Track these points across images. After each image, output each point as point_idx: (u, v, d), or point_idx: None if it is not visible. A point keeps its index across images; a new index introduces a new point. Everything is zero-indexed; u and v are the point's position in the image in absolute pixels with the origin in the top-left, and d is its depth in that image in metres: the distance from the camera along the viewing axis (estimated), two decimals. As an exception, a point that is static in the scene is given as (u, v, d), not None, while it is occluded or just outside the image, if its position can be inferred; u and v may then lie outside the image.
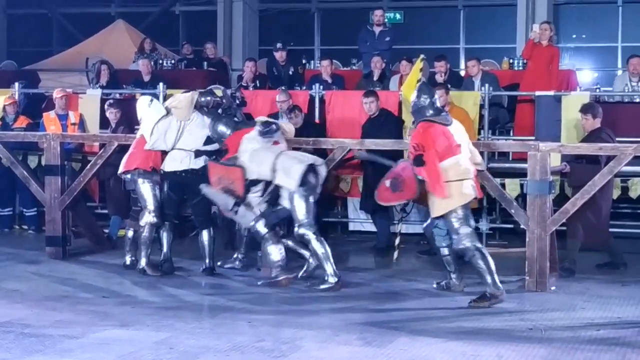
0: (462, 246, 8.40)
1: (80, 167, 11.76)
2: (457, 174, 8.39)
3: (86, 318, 7.61)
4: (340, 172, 11.30)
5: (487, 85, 11.44)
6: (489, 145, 10.33)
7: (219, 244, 10.03)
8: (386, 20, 14.91)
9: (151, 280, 9.31)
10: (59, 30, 21.98)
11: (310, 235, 8.88)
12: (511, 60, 14.01)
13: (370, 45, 13.51)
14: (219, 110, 9.57)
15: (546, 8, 18.42)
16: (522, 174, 9.83)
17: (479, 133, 11.21)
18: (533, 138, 10.74)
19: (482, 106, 11.33)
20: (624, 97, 11.65)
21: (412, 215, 10.35)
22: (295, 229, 8.94)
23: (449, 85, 11.14)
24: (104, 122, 11.90)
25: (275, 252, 9.01)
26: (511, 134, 12.11)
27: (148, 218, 9.52)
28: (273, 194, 8.97)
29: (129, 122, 11.11)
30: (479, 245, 8.46)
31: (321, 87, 12.00)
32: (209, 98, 9.60)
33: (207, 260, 9.62)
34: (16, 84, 13.21)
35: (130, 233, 9.92)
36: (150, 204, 9.53)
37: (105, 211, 12.00)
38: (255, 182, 9.00)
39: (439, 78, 11.97)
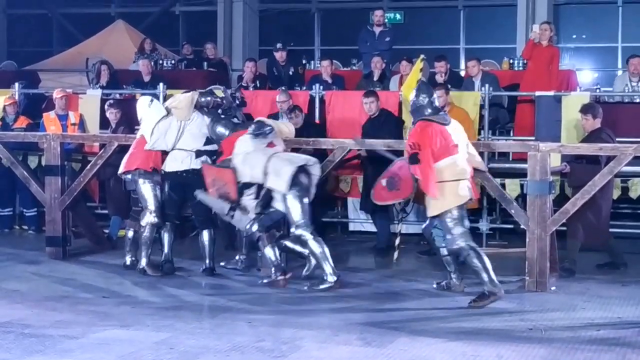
0: (457, 246, 8.42)
1: (80, 167, 11.76)
2: (454, 174, 8.40)
3: (86, 318, 7.61)
4: (340, 172, 11.31)
5: (487, 85, 11.45)
6: (489, 146, 10.33)
7: (219, 244, 10.02)
8: (386, 20, 14.92)
9: (151, 280, 9.31)
10: (59, 31, 21.99)
11: (307, 235, 8.88)
12: (511, 61, 14.02)
13: (371, 46, 13.51)
14: (219, 111, 9.57)
15: (546, 8, 18.42)
16: (522, 174, 9.83)
17: (479, 133, 11.21)
18: (533, 138, 10.74)
19: (482, 106, 11.34)
20: (624, 98, 11.66)
21: (412, 216, 10.35)
22: (292, 230, 8.93)
23: (449, 86, 11.14)
24: (104, 123, 11.90)
25: (271, 253, 9.01)
26: (511, 134, 12.11)
27: (149, 218, 9.52)
28: (266, 196, 8.96)
29: (129, 122, 11.11)
30: (473, 244, 8.47)
31: (321, 87, 12.00)
32: (209, 98, 9.60)
33: (207, 261, 9.62)
34: (16, 84, 13.22)
35: (130, 233, 9.92)
36: (151, 204, 9.53)
37: (106, 211, 12.00)
38: (248, 185, 9.00)
39: (439, 78, 11.98)
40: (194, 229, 10.04)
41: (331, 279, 8.81)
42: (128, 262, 9.87)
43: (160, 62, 15.08)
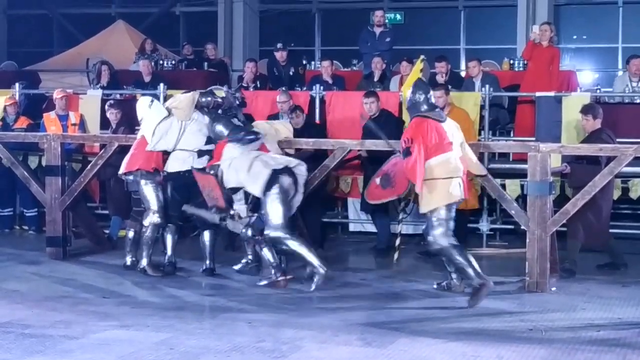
0: (438, 247, 8.47)
1: (80, 167, 11.76)
2: (447, 171, 8.43)
3: (86, 318, 7.61)
4: (341, 172, 11.31)
5: (487, 86, 11.45)
6: (489, 146, 10.34)
7: (220, 245, 10.02)
8: (387, 20, 14.93)
9: (151, 280, 9.31)
10: (60, 31, 21.99)
11: (282, 235, 8.81)
12: (511, 61, 14.03)
13: (371, 46, 13.51)
14: (219, 111, 9.57)
15: (547, 9, 18.43)
16: (522, 174, 9.82)
17: (480, 134, 11.22)
18: (533, 139, 10.74)
19: (482, 107, 11.34)
20: (624, 98, 11.65)
21: (412, 216, 10.35)
22: (266, 232, 8.87)
23: (450, 86, 11.14)
24: (105, 123, 11.91)
25: (269, 254, 9.01)
26: (511, 134, 12.12)
27: (152, 218, 9.52)
28: (255, 199, 8.96)
29: (130, 122, 11.11)
30: (454, 242, 8.48)
31: (322, 87, 12.00)
32: (209, 98, 9.60)
33: (207, 261, 9.62)
34: (17, 85, 13.23)
35: (130, 234, 9.92)
36: (153, 204, 9.53)
37: (106, 212, 12.00)
38: (236, 190, 9.00)
39: (440, 79, 11.99)
40: (194, 229, 10.05)
41: (322, 269, 8.74)
42: (128, 263, 9.87)
43: (161, 62, 15.08)
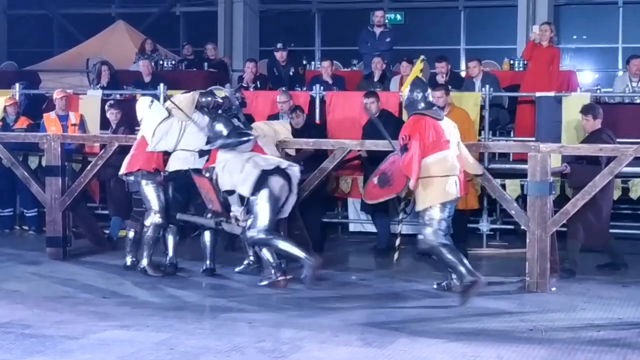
0: (427, 245, 8.51)
1: (80, 167, 11.76)
2: (444, 169, 8.46)
3: (86, 319, 7.61)
4: (341, 173, 11.31)
5: (487, 86, 11.45)
6: (489, 146, 10.34)
7: (220, 245, 10.02)
8: (387, 21, 14.94)
9: (152, 280, 9.31)
10: (60, 31, 21.99)
11: (265, 237, 8.81)
12: (512, 61, 14.03)
13: (371, 46, 13.51)
14: (219, 112, 9.57)
15: (547, 9, 18.43)
16: (522, 174, 9.83)
17: (480, 134, 11.22)
18: (533, 139, 10.74)
19: (482, 107, 11.34)
20: (624, 98, 11.65)
21: (413, 216, 10.34)
22: (250, 234, 8.85)
23: (450, 86, 11.14)
24: (105, 123, 11.91)
25: (269, 254, 9.01)
26: (511, 134, 12.11)
27: (154, 219, 9.52)
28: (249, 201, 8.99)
29: (130, 122, 11.10)
30: (444, 241, 8.50)
31: (322, 88, 12.00)
32: (209, 99, 9.60)
33: (207, 261, 9.62)
34: (17, 85, 13.23)
35: (131, 234, 9.91)
36: (154, 204, 9.53)
37: (106, 212, 12.00)
38: (231, 193, 9.01)
39: (440, 79, 11.99)
40: (195, 230, 10.06)
41: (309, 261, 8.71)
42: (128, 263, 9.87)
43: (161, 62, 15.09)
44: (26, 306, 8.12)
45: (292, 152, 10.09)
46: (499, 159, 11.50)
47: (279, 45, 13.35)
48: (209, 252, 9.61)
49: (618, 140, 9.70)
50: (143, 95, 10.89)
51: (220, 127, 9.31)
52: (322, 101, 11.83)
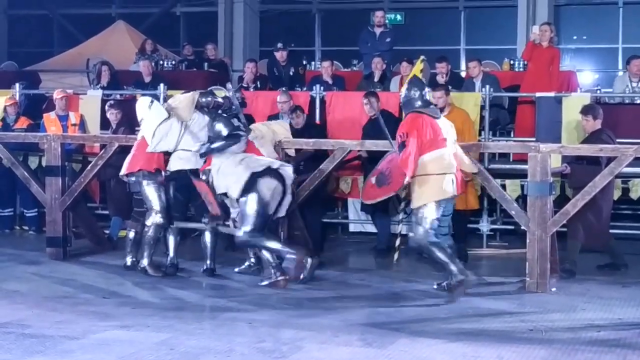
0: (415, 244, 8.60)
1: (80, 167, 11.76)
2: (440, 167, 8.49)
3: (87, 319, 7.61)
4: (341, 173, 11.31)
5: (487, 86, 11.45)
6: (489, 147, 10.33)
7: (221, 245, 10.02)
8: (387, 21, 14.93)
9: (152, 281, 9.31)
10: (60, 31, 21.99)
11: (250, 239, 8.86)
12: (512, 62, 14.03)
13: (371, 46, 13.51)
14: (219, 112, 9.57)
15: (547, 9, 18.42)
16: (522, 175, 9.83)
17: (480, 134, 11.22)
18: (533, 139, 10.74)
19: (482, 107, 11.35)
20: (624, 99, 11.65)
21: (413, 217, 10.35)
22: (237, 235, 8.93)
23: (450, 87, 11.15)
24: (105, 123, 11.91)
25: (268, 254, 9.02)
26: (512, 135, 12.11)
27: (155, 218, 9.52)
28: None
29: (130, 123, 11.10)
30: (434, 239, 8.54)
31: (322, 88, 12.00)
32: (209, 99, 9.60)
33: (208, 261, 9.62)
34: (17, 85, 13.23)
35: (131, 234, 9.92)
36: (156, 205, 9.53)
37: (106, 212, 12.00)
38: (227, 195, 9.04)
39: (441, 79, 12.00)
40: (195, 230, 10.06)
41: (293, 256, 8.77)
42: (129, 263, 9.87)
43: (161, 62, 15.08)
44: (26, 306, 8.12)
45: (292, 152, 10.09)
46: (499, 159, 11.51)
47: (279, 45, 13.35)
48: (209, 252, 9.61)
49: (618, 140, 9.70)
50: (143, 95, 10.88)
51: (220, 127, 9.31)
52: (322, 101, 11.83)
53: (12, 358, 6.49)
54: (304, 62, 14.33)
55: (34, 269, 9.99)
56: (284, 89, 12.05)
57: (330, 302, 8.42)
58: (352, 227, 12.46)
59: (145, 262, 9.56)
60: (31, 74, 15.47)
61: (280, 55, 13.31)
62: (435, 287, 8.93)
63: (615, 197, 10.34)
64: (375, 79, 12.64)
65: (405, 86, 8.97)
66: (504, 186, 10.41)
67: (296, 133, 10.49)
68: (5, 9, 22.48)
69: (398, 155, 8.59)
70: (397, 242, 10.28)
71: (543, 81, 11.83)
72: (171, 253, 9.72)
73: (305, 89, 12.53)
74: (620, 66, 17.93)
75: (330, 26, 20.79)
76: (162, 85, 12.29)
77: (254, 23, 20.77)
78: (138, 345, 6.81)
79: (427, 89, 9.00)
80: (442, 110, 10.35)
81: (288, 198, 9.12)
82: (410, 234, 8.65)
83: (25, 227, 12.72)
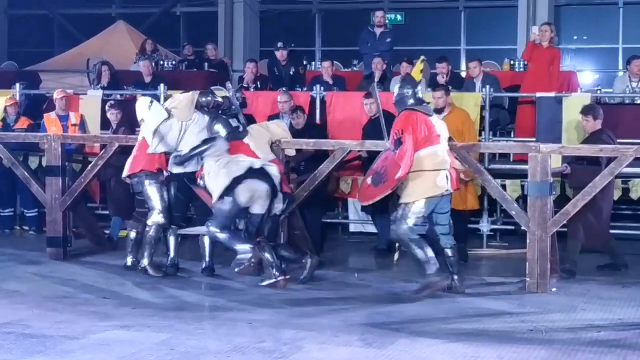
0: (396, 237, 8.70)
1: (81, 168, 11.76)
2: (434, 164, 8.54)
3: (87, 319, 7.61)
4: (341, 173, 11.30)
5: (488, 86, 11.45)
6: (490, 147, 10.33)
7: (221, 245, 10.01)
8: (387, 21, 14.94)
9: (152, 281, 9.31)
10: (60, 31, 22.01)
11: (215, 233, 8.99)
12: (512, 62, 14.04)
13: (372, 47, 13.51)
14: (219, 112, 9.57)
15: (547, 9, 18.44)
16: (523, 175, 9.83)
17: (480, 135, 11.21)
18: (534, 139, 10.73)
19: (483, 108, 11.34)
20: (624, 99, 11.65)
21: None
22: (207, 226, 9.06)
23: (450, 87, 11.15)
24: (105, 123, 11.91)
25: (268, 254, 9.02)
26: (512, 135, 12.11)
27: (157, 218, 9.52)
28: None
29: (130, 123, 11.10)
30: (415, 237, 8.60)
31: (322, 88, 12.00)
32: (209, 98, 9.60)
33: (207, 259, 9.62)
34: (17, 85, 13.22)
35: (132, 234, 9.91)
36: (157, 204, 9.52)
37: (106, 212, 12.00)
38: None
39: (441, 79, 12.00)
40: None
41: (247, 255, 8.93)
42: (129, 263, 9.87)
43: (161, 63, 15.09)
44: (27, 306, 8.12)
45: (292, 153, 10.08)
46: (499, 159, 11.50)
47: (280, 44, 13.36)
48: (208, 251, 9.62)
49: (618, 140, 9.69)
50: (143, 95, 10.88)
51: (219, 128, 9.32)
52: (323, 102, 11.82)
53: (12, 358, 6.49)
54: (305, 63, 14.33)
55: (35, 269, 9.99)
56: (284, 89, 12.05)
57: (331, 302, 8.42)
58: (353, 228, 12.46)
59: (145, 262, 9.56)
60: (32, 74, 15.47)
61: (281, 55, 13.31)
62: (435, 287, 8.93)
63: (616, 198, 10.34)
64: (376, 80, 12.63)
65: (397, 84, 8.99)
66: (504, 186, 10.42)
67: (297, 133, 10.48)
68: (6, 9, 22.50)
69: (393, 153, 8.59)
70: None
71: (543, 81, 11.83)
72: (172, 253, 9.73)
73: (305, 89, 12.53)
74: (620, 66, 17.95)
75: (331, 26, 20.80)
76: (162, 85, 12.28)
77: (254, 23, 20.78)
78: (138, 345, 6.81)
79: (419, 87, 9.01)
80: (442, 110, 10.40)
81: (280, 196, 9.11)
82: (393, 226, 8.65)
83: (26, 228, 12.72)
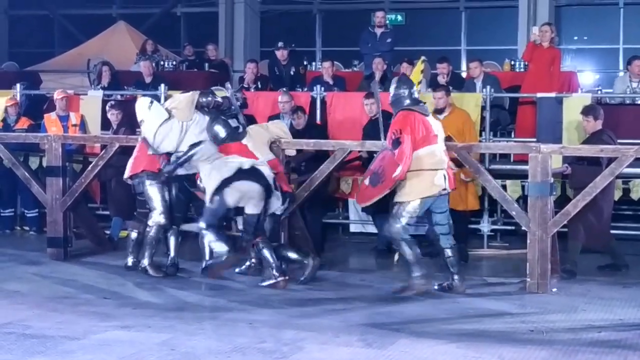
0: (389, 235, 8.74)
1: (81, 168, 11.77)
2: (432, 163, 8.55)
3: (87, 319, 7.61)
4: (342, 173, 11.30)
5: (488, 87, 11.45)
6: (490, 147, 10.33)
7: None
8: (387, 21, 14.93)
9: (152, 281, 9.31)
10: (60, 32, 22.01)
11: (202, 230, 9.06)
12: (512, 62, 14.04)
13: (372, 47, 13.52)
14: (219, 112, 9.57)
15: (547, 9, 18.44)
16: (523, 175, 9.83)
17: (481, 135, 11.22)
18: (534, 140, 10.74)
19: (483, 108, 11.35)
20: (625, 99, 11.66)
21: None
22: (199, 223, 9.12)
23: (451, 87, 11.15)
24: (106, 124, 11.91)
25: (268, 255, 9.02)
26: (512, 135, 12.11)
27: (157, 218, 9.52)
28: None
29: (131, 123, 11.08)
30: (407, 236, 8.63)
31: (322, 88, 12.00)
32: (209, 98, 9.59)
33: (207, 260, 9.62)
34: (18, 85, 13.23)
35: (133, 234, 9.91)
36: (158, 205, 9.53)
37: (107, 212, 12.01)
38: None
39: (442, 80, 12.00)
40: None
41: (225, 255, 8.96)
42: (129, 263, 9.87)
43: (162, 63, 15.09)
44: (27, 307, 8.12)
45: (292, 153, 10.08)
46: (499, 159, 11.50)
47: (280, 44, 13.36)
48: (208, 251, 9.61)
49: (619, 141, 9.70)
50: (143, 96, 10.87)
51: (218, 128, 9.32)
52: (323, 102, 11.83)
53: (12, 358, 6.49)
54: (305, 62, 14.33)
55: (35, 269, 9.99)
56: (284, 89, 12.05)
57: (331, 302, 8.42)
58: (353, 228, 12.45)
59: (146, 262, 9.57)
60: (32, 75, 15.48)
61: (281, 54, 13.32)
62: (436, 287, 8.92)
63: (616, 198, 10.34)
64: (376, 80, 12.62)
65: (393, 85, 8.98)
66: (504, 187, 10.42)
67: (297, 134, 10.49)
68: (6, 9, 22.50)
69: (391, 153, 8.58)
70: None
71: (544, 82, 11.83)
72: (172, 253, 9.73)
73: (305, 89, 12.53)
74: (621, 67, 17.94)
75: (331, 27, 20.80)
76: (162, 85, 12.29)
77: (254, 23, 20.78)
78: (139, 345, 6.81)
79: (415, 87, 9.00)
80: (442, 110, 10.40)
81: (276, 194, 9.11)
82: (386, 225, 8.66)
83: (26, 228, 12.72)
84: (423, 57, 11.55)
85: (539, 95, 11.34)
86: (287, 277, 9.00)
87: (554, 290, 8.90)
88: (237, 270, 9.71)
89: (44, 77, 15.48)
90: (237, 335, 7.11)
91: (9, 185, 12.35)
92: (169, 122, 9.45)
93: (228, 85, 10.12)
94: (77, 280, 9.44)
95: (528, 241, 8.97)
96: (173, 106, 9.56)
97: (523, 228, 9.22)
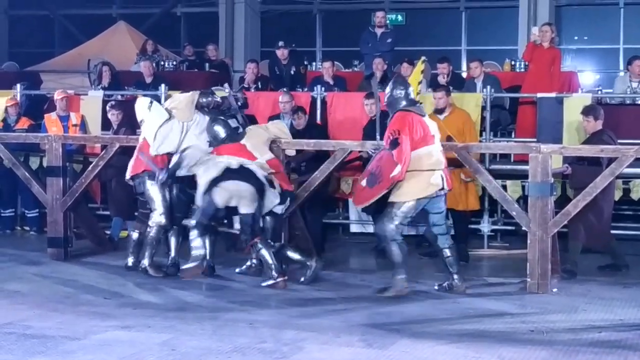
0: (381, 233, 8.66)
1: (81, 168, 11.77)
2: (429, 164, 8.55)
3: (88, 319, 7.62)
4: (342, 174, 11.30)
5: (488, 87, 11.45)
6: (490, 147, 10.32)
7: (222, 246, 10.02)
8: (388, 21, 14.92)
9: (153, 281, 9.31)
10: (61, 32, 22.02)
11: (191, 227, 9.17)
12: (513, 62, 14.05)
13: (372, 47, 13.51)
14: (219, 112, 9.57)
15: (548, 10, 18.44)
16: (523, 175, 9.83)
17: (481, 135, 11.21)
18: (534, 140, 10.74)
19: (483, 108, 11.35)
20: (625, 99, 11.66)
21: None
22: (193, 220, 9.22)
23: (451, 87, 11.15)
24: (106, 124, 11.91)
25: (267, 255, 9.02)
26: (513, 135, 12.11)
27: (158, 219, 9.52)
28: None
29: (131, 123, 11.08)
30: (399, 238, 8.64)
31: (323, 88, 12.00)
32: (209, 98, 9.60)
33: (207, 260, 9.62)
34: (18, 85, 13.23)
35: (135, 235, 9.91)
36: (159, 205, 9.52)
37: (107, 212, 12.01)
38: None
39: (442, 80, 12.00)
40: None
41: (199, 261, 9.16)
42: (130, 263, 9.87)
43: (162, 63, 15.09)
44: (27, 307, 8.12)
45: (292, 153, 10.08)
46: (500, 159, 11.50)
47: (281, 43, 13.37)
48: (208, 251, 9.61)
49: (619, 141, 9.70)
50: (143, 96, 10.87)
51: (218, 129, 9.33)
52: (323, 102, 11.83)
53: (13, 358, 6.49)
54: (305, 62, 14.34)
55: (35, 269, 9.99)
56: (285, 89, 12.05)
57: (331, 302, 8.42)
58: (353, 228, 12.45)
59: (146, 262, 9.56)
60: (32, 75, 15.48)
61: (282, 54, 13.32)
62: (436, 287, 8.93)
63: (616, 198, 10.34)
64: (377, 80, 12.63)
65: (389, 86, 8.96)
66: (505, 187, 10.42)
67: (297, 134, 10.49)
68: (6, 10, 22.50)
69: (388, 153, 8.57)
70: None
71: (544, 82, 11.83)
72: (173, 253, 9.73)
73: (306, 89, 12.53)
74: (621, 67, 17.94)
75: (331, 27, 20.80)
76: (163, 85, 12.29)
77: (254, 23, 20.78)
78: (139, 345, 6.81)
79: (411, 88, 9.00)
80: (443, 110, 10.40)
81: (272, 192, 9.10)
82: (379, 224, 8.65)
83: (27, 228, 12.72)
84: (423, 57, 11.55)
85: (539, 95, 11.34)
86: (286, 277, 9.00)
87: (555, 290, 8.90)
88: (237, 270, 9.72)
89: (44, 77, 15.48)
90: (237, 336, 7.11)
91: (10, 185, 12.35)
92: (169, 123, 9.47)
93: (226, 86, 10.12)
94: (77, 280, 9.44)
95: (528, 241, 8.97)
96: (173, 106, 9.57)
97: (523, 228, 9.22)
